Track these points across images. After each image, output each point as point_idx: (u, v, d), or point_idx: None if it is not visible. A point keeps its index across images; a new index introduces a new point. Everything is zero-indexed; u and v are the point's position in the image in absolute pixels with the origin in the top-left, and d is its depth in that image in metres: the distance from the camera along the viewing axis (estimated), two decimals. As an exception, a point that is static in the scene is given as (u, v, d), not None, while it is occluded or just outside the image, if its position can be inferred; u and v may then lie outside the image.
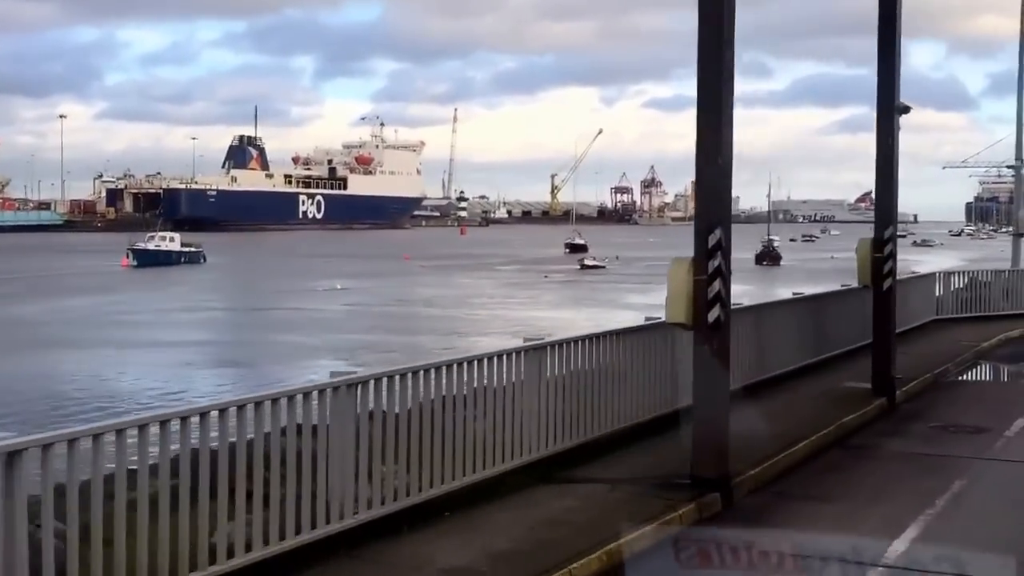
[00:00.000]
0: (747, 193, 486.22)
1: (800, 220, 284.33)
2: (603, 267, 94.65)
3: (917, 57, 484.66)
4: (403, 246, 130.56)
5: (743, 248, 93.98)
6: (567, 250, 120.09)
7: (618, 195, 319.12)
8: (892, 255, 17.61)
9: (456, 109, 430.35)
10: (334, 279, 76.33)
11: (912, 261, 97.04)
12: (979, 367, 23.35)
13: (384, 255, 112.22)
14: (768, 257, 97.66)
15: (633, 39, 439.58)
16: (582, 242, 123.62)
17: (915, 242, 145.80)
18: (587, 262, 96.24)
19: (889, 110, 16.93)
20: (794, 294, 21.94)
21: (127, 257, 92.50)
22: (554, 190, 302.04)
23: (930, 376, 20.28)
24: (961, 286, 30.50)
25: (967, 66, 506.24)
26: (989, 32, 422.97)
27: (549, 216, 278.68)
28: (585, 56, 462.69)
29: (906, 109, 16.61)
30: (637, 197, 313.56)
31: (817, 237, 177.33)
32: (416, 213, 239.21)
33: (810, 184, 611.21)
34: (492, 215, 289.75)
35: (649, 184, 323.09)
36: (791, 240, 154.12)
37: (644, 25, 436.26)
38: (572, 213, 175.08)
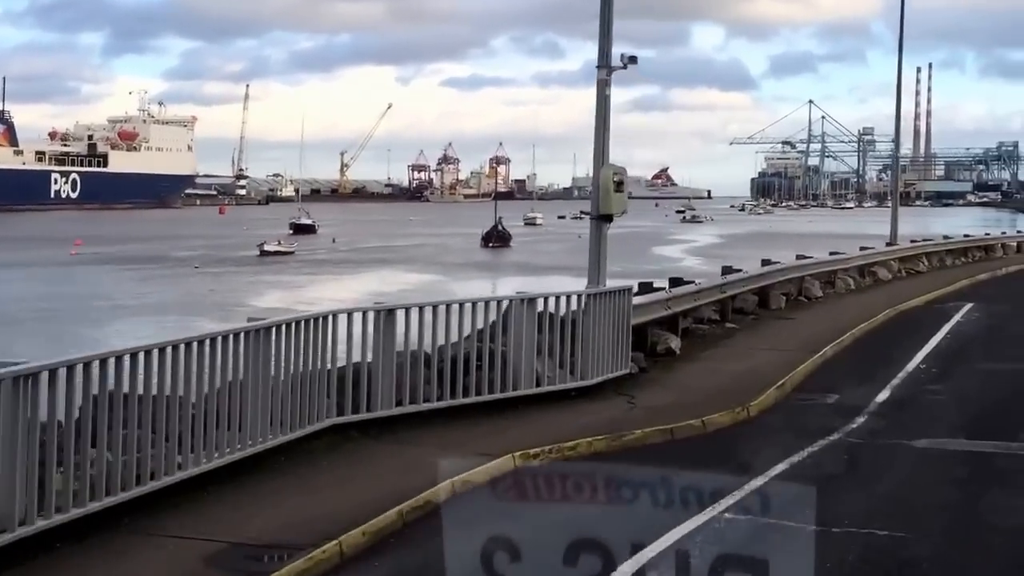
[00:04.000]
0: (546, 171, 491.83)
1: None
2: (291, 252, 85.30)
3: (702, 39, 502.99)
4: (130, 227, 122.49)
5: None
6: (291, 231, 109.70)
7: (415, 172, 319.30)
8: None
9: (248, 86, 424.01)
10: None
11: (670, 238, 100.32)
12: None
13: (51, 239, 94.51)
14: (496, 238, 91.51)
15: (424, 19, 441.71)
16: (309, 222, 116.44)
17: (684, 218, 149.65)
18: (268, 247, 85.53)
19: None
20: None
21: None
22: (343, 167, 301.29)
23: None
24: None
25: (747, 48, 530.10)
26: (765, 16, 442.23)
27: (338, 194, 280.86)
28: (380, 35, 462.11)
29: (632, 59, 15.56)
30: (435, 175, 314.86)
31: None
32: (190, 191, 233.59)
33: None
34: (279, 193, 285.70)
35: (444, 161, 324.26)
36: (559, 217, 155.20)
37: (433, 6, 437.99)
38: (298, 193, 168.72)
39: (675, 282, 22.12)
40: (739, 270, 25.48)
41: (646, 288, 19.27)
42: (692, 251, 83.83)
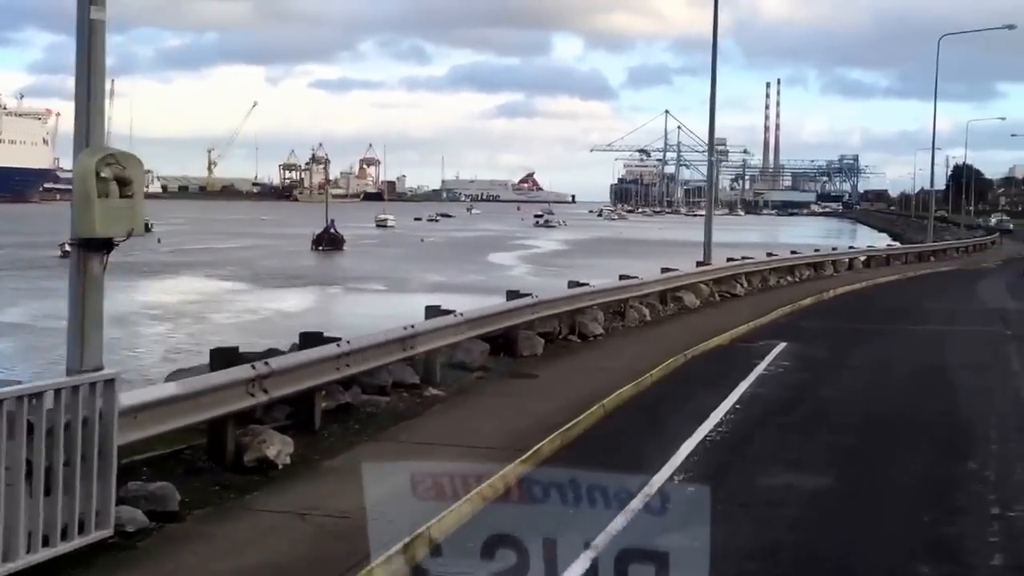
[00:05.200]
0: (416, 173, 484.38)
1: (463, 199, 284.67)
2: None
3: (563, 49, 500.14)
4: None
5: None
6: None
7: (286, 172, 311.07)
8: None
9: (113, 81, 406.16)
10: None
11: (514, 243, 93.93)
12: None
13: None
14: (327, 241, 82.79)
15: (291, 20, 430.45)
16: None
17: (538, 223, 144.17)
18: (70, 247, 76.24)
19: None
20: None
21: None
22: (211, 165, 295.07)
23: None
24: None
25: (606, 59, 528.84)
26: (622, 28, 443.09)
27: (207, 192, 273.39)
28: (247, 35, 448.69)
29: None
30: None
31: (451, 216, 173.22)
32: (50, 186, 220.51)
33: (477, 165, 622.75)
34: (146, 190, 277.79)
35: (314, 161, 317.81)
36: (416, 219, 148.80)
37: (299, 7, 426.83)
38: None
39: (431, 311, 15.42)
40: (527, 294, 19.10)
41: (312, 340, 12.31)
42: (528, 258, 77.23)
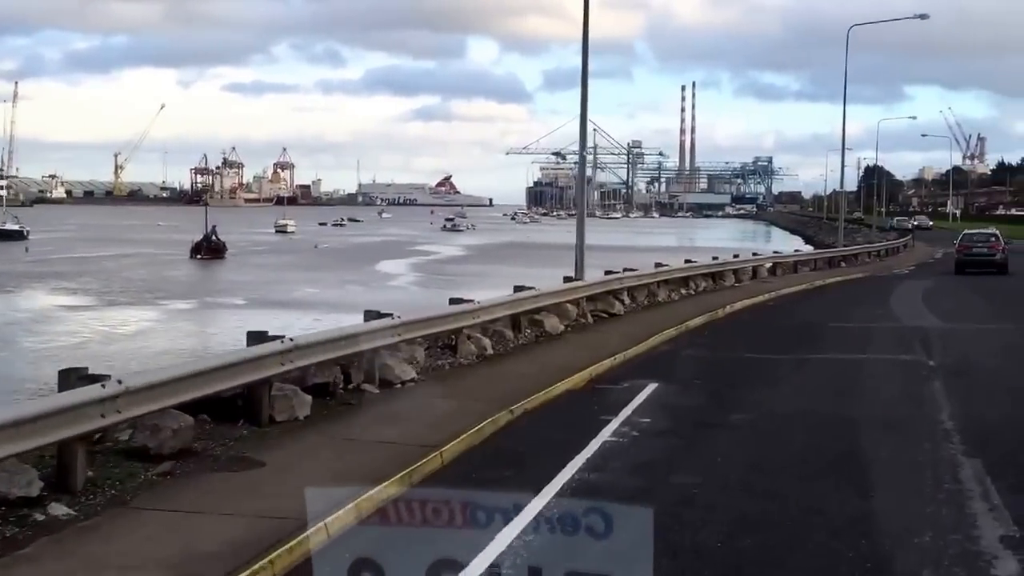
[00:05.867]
0: (332, 177, 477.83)
1: (379, 203, 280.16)
2: None
3: (478, 52, 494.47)
4: None
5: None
6: None
7: (198, 176, 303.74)
8: None
9: (16, 83, 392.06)
10: None
11: (413, 249, 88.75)
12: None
13: None
14: (207, 248, 75.48)
15: (202, 22, 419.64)
16: (16, 228, 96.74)
17: (445, 227, 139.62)
18: None
19: None
20: None
21: None
22: (118, 169, 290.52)
23: None
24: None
25: (521, 62, 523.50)
26: (536, 32, 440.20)
27: (113, 196, 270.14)
28: (157, 37, 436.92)
29: None
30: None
31: (359, 221, 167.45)
32: None
33: (394, 169, 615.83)
34: (49, 195, 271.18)
35: (226, 165, 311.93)
36: (320, 224, 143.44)
37: (210, 9, 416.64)
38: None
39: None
40: (387, 314, 15.40)
41: None
42: (420, 266, 71.88)
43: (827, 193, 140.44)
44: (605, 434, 13.20)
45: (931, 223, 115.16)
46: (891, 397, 16.31)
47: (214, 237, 77.29)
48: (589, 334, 22.72)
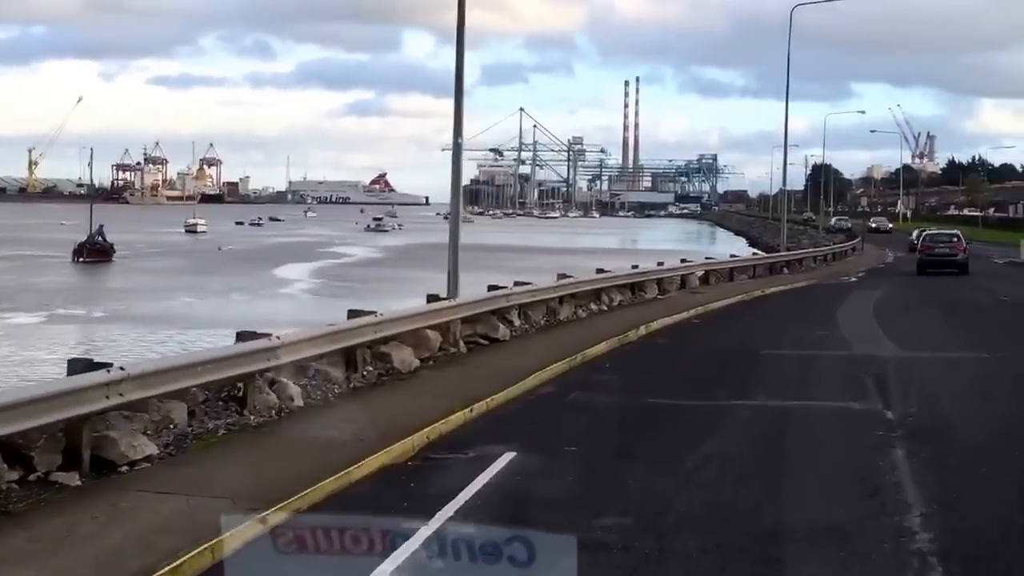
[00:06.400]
0: (262, 174, 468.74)
1: (310, 201, 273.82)
2: None
3: (413, 46, 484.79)
4: None
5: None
6: None
7: (120, 172, 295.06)
8: None
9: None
10: None
11: (325, 251, 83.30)
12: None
13: None
14: (90, 251, 69.25)
15: (125, 13, 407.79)
16: None
17: (369, 227, 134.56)
18: None
19: None
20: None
21: None
22: (31, 165, 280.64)
23: None
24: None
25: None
26: (473, 25, 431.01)
27: (27, 193, 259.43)
28: (78, 28, 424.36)
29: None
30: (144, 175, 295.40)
31: (280, 220, 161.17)
32: None
33: (327, 166, 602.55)
34: None
35: (149, 161, 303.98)
36: (237, 223, 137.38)
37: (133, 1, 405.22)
38: None
39: None
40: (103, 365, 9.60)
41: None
42: (325, 271, 66.00)
43: (773, 192, 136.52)
44: (385, 570, 8.20)
45: (891, 225, 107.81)
46: (836, 485, 11.45)
47: (99, 238, 71.14)
48: (452, 370, 17.78)
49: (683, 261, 35.16)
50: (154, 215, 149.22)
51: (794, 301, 33.77)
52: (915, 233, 64.29)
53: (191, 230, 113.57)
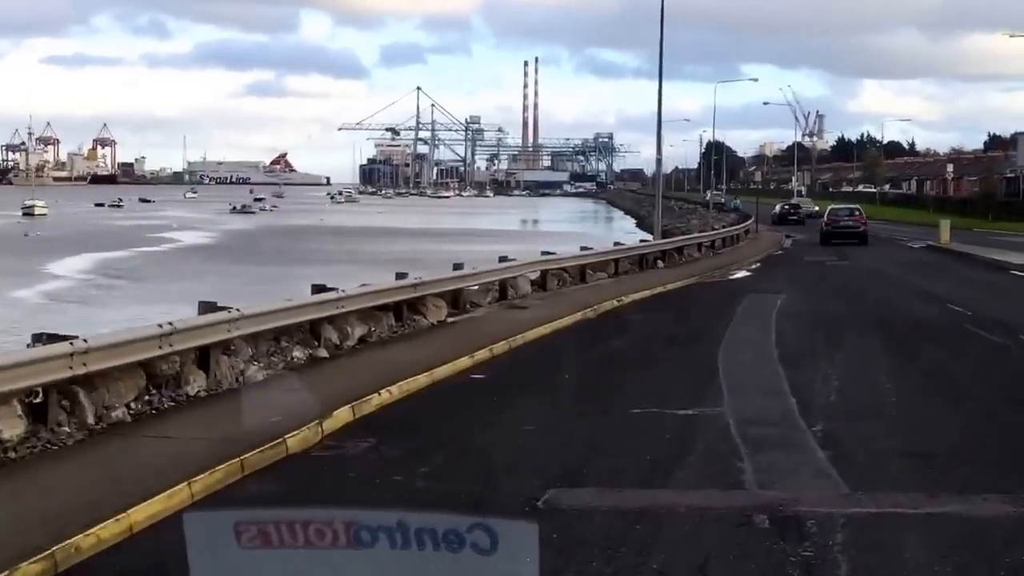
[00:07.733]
0: (161, 154, 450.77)
1: (208, 182, 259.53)
2: None
3: (311, 27, 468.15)
4: None
5: None
6: None
7: (10, 152, 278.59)
8: None
9: None
10: None
11: (160, 237, 71.00)
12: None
13: None
14: None
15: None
16: None
17: (235, 208, 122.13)
18: None
19: None
20: None
21: None
22: None
23: None
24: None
25: (357, 37, 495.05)
26: (370, 6, 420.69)
27: None
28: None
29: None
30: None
31: (150, 201, 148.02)
32: None
33: (228, 146, 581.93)
34: None
35: (40, 141, 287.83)
36: (98, 205, 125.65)
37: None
38: None
39: None
40: None
41: None
42: (104, 266, 52.09)
43: (669, 170, 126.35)
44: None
45: (816, 207, 79.34)
46: None
47: None
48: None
49: (501, 259, 23.37)
50: (15, 197, 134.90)
51: (658, 319, 22.38)
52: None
53: (28, 212, 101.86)
